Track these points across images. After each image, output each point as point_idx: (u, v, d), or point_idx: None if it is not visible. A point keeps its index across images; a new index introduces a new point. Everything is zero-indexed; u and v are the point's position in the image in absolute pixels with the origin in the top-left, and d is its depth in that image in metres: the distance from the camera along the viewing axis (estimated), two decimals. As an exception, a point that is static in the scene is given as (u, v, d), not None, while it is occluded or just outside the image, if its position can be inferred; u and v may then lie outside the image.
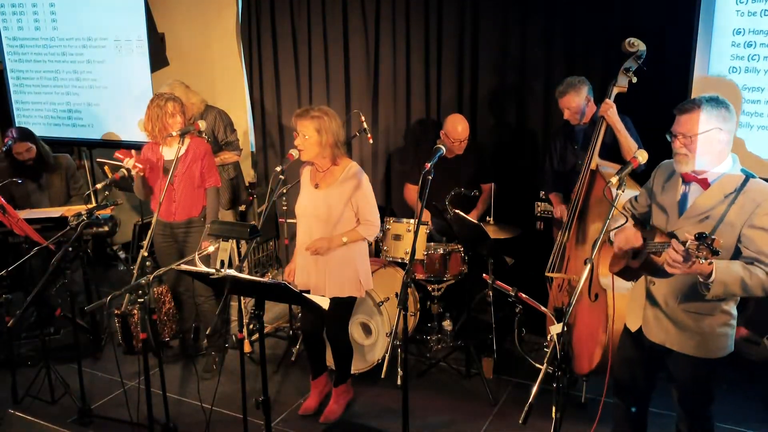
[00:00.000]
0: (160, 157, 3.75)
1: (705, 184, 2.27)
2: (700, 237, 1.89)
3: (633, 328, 2.51)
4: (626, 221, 2.42)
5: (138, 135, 5.49)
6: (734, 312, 2.33)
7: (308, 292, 3.22)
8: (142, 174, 3.70)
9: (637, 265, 2.39)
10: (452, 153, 4.16)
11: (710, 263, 1.97)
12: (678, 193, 2.35)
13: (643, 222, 2.55)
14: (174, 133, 3.56)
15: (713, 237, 1.89)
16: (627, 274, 2.50)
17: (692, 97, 3.62)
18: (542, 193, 4.02)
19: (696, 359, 2.34)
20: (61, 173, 4.60)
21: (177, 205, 3.76)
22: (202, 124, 3.82)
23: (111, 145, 5.72)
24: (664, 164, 2.47)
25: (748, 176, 2.24)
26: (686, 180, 2.32)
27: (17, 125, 6.09)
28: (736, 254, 2.20)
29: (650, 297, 2.42)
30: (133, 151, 3.68)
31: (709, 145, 2.21)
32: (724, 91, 3.30)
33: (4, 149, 4.55)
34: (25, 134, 4.44)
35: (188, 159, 3.72)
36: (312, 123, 3.11)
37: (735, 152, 2.31)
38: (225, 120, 4.61)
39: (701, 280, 2.07)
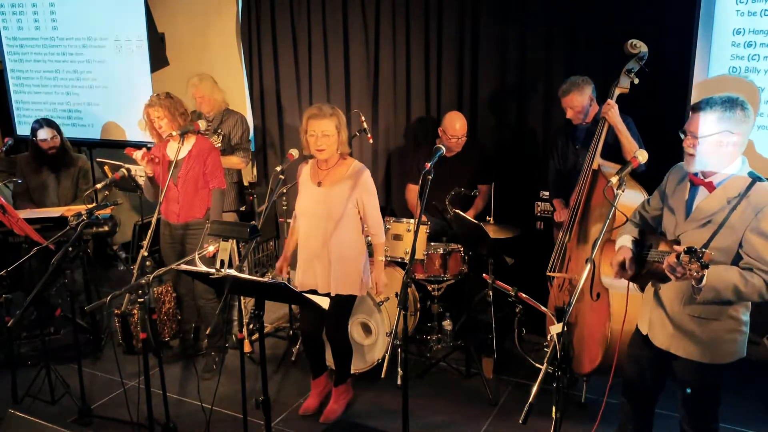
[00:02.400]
0: (166, 157, 3.73)
1: (711, 187, 2.24)
2: (689, 251, 1.90)
3: (644, 331, 2.50)
4: (626, 221, 2.42)
5: (138, 135, 5.50)
6: (744, 318, 2.29)
7: (312, 291, 3.23)
8: (151, 174, 3.70)
9: (643, 272, 2.41)
10: (451, 151, 4.16)
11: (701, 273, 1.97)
12: (686, 196, 2.33)
13: (655, 226, 2.53)
14: (174, 133, 3.55)
15: (703, 251, 1.89)
16: (638, 280, 2.50)
17: (692, 97, 3.67)
18: (543, 193, 4.02)
19: (701, 365, 2.31)
20: (74, 172, 4.67)
21: (180, 206, 3.75)
22: (202, 124, 3.82)
23: (111, 144, 5.72)
24: (678, 166, 2.44)
25: (755, 179, 2.17)
26: (694, 183, 2.30)
27: (17, 124, 6.11)
28: (738, 258, 2.18)
29: (656, 302, 2.41)
30: (143, 148, 3.68)
31: (717, 147, 2.16)
32: (743, 91, 3.29)
33: (4, 149, 4.57)
34: (51, 122, 4.62)
35: (191, 160, 3.71)
36: (332, 121, 3.13)
37: (744, 153, 2.25)
38: (244, 126, 4.60)
39: (693, 284, 2.08)
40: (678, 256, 1.96)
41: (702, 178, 2.26)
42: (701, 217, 2.23)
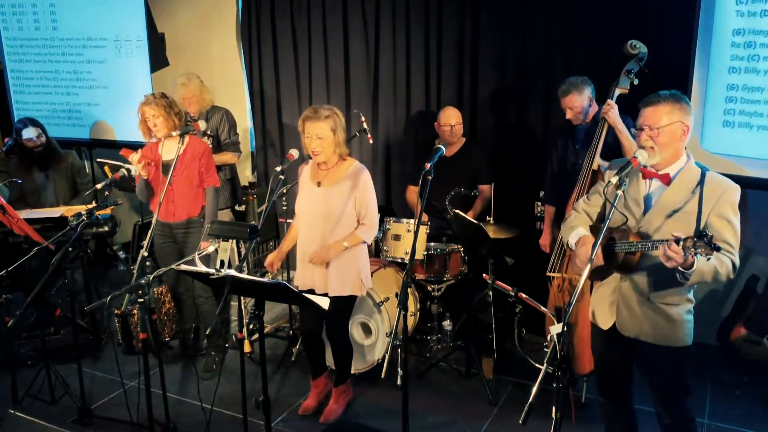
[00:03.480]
0: (158, 158, 3.75)
1: (666, 179, 2.35)
2: (701, 236, 1.97)
3: (605, 327, 2.53)
4: (626, 221, 2.42)
5: (138, 135, 5.50)
6: (694, 301, 2.43)
7: (311, 291, 3.22)
8: (146, 177, 3.70)
9: (609, 266, 2.43)
10: (448, 144, 4.20)
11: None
12: (641, 190, 2.41)
13: (597, 222, 2.60)
14: (174, 134, 3.56)
15: (711, 234, 1.97)
16: (595, 274, 2.53)
17: (692, 97, 3.67)
18: (543, 193, 4.02)
19: (668, 349, 2.41)
20: (67, 168, 4.64)
21: (176, 205, 3.75)
22: (202, 125, 3.82)
23: (111, 145, 5.72)
24: (616, 163, 2.56)
25: (704, 170, 2.34)
26: (646, 176, 2.40)
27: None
28: None
29: (623, 294, 2.46)
30: (139, 150, 3.69)
31: (672, 137, 2.30)
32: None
33: (3, 149, 4.56)
34: (35, 121, 4.57)
35: (186, 159, 3.71)
36: (327, 123, 3.11)
37: (689, 149, 2.41)
38: (230, 121, 4.62)
39: (682, 269, 2.14)
40: (678, 242, 2.03)
41: (654, 171, 2.37)
42: (667, 208, 2.33)
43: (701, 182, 2.30)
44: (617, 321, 2.49)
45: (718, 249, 1.97)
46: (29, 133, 4.46)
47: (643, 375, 2.54)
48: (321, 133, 3.11)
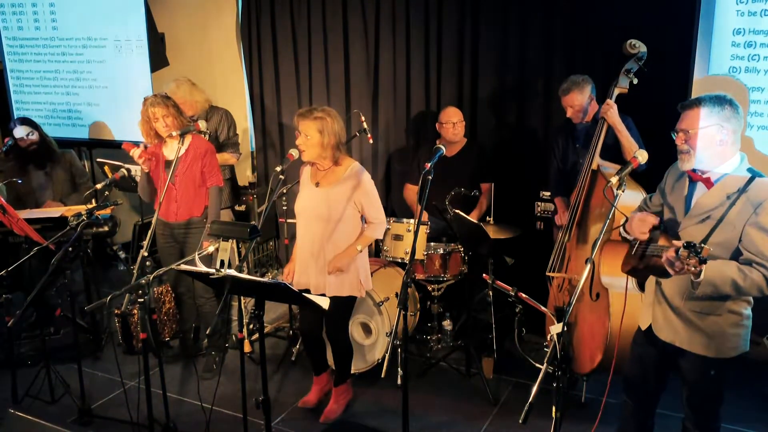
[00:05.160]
0: (162, 157, 3.75)
1: (709, 183, 2.28)
2: (689, 246, 1.93)
3: (643, 327, 2.51)
4: (626, 221, 2.42)
5: (138, 135, 5.50)
6: (746, 312, 2.31)
7: (308, 291, 3.22)
8: (147, 171, 3.70)
9: (642, 266, 2.40)
10: (449, 143, 4.19)
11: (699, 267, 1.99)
12: (684, 193, 2.36)
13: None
14: (174, 134, 3.56)
15: (702, 246, 1.92)
16: (637, 274, 2.51)
17: (692, 96, 3.67)
18: (543, 193, 4.02)
19: (706, 359, 2.33)
20: (65, 167, 4.63)
21: (178, 205, 3.75)
22: (202, 124, 3.81)
23: (111, 145, 5.72)
24: (677, 165, 2.46)
25: (755, 176, 2.21)
26: (692, 179, 2.34)
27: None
28: (738, 253, 2.20)
29: (658, 296, 2.43)
30: (141, 144, 3.68)
31: (709, 141, 2.21)
32: (731, 90, 3.30)
33: (4, 149, 4.56)
34: (25, 120, 4.56)
35: (189, 158, 3.71)
36: (314, 124, 3.11)
37: (742, 151, 2.30)
38: (229, 121, 4.61)
39: (692, 278, 2.11)
40: (677, 251, 1.99)
41: (700, 174, 2.30)
42: (700, 212, 2.26)
43: (742, 189, 2.18)
44: (652, 323, 2.45)
45: (704, 262, 1.92)
46: (19, 132, 4.44)
47: (678, 380, 2.49)
48: (307, 131, 3.13)
